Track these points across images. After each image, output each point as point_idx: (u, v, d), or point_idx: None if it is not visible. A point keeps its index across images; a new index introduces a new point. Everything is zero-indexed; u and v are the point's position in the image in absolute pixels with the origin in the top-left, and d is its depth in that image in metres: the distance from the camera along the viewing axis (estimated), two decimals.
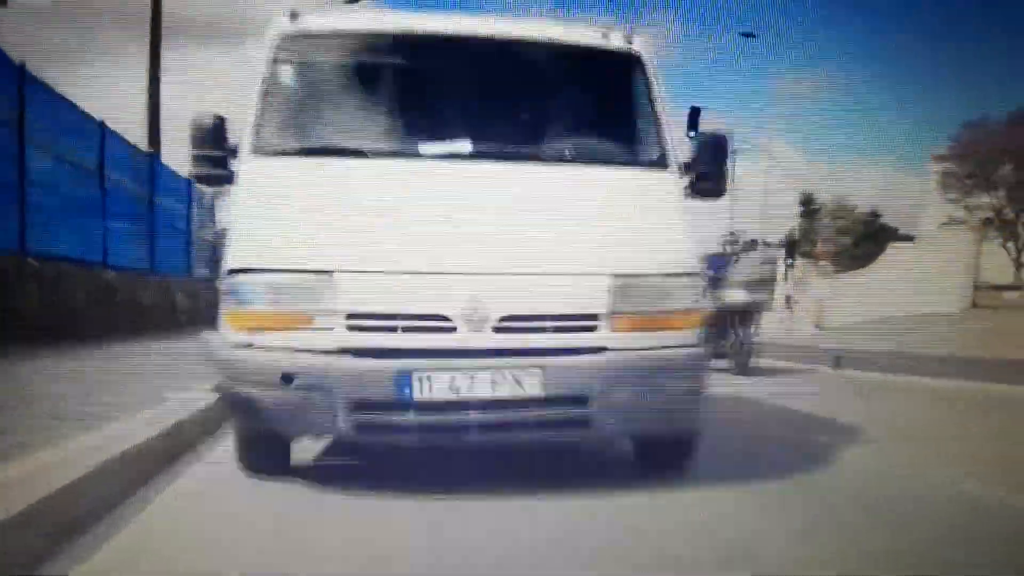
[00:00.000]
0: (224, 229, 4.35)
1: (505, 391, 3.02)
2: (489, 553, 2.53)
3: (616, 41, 3.72)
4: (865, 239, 32.47)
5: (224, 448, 3.71)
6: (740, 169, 26.51)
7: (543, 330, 3.07)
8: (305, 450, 3.63)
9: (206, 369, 3.59)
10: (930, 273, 21.18)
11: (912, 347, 12.38)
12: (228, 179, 3.44)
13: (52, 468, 2.67)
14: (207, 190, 13.99)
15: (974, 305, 21.86)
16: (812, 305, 23.68)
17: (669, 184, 3.52)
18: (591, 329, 3.11)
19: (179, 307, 13.12)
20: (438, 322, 3.01)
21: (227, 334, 3.14)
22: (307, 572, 2.36)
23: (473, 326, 3.01)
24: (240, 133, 3.44)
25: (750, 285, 9.79)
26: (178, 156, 13.36)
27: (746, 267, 10.01)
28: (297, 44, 3.56)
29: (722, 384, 6.71)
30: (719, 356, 8.32)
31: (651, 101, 3.64)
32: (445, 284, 3.03)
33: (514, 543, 2.61)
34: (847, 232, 34.64)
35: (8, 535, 2.13)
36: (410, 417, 3.02)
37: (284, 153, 3.38)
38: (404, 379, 2.97)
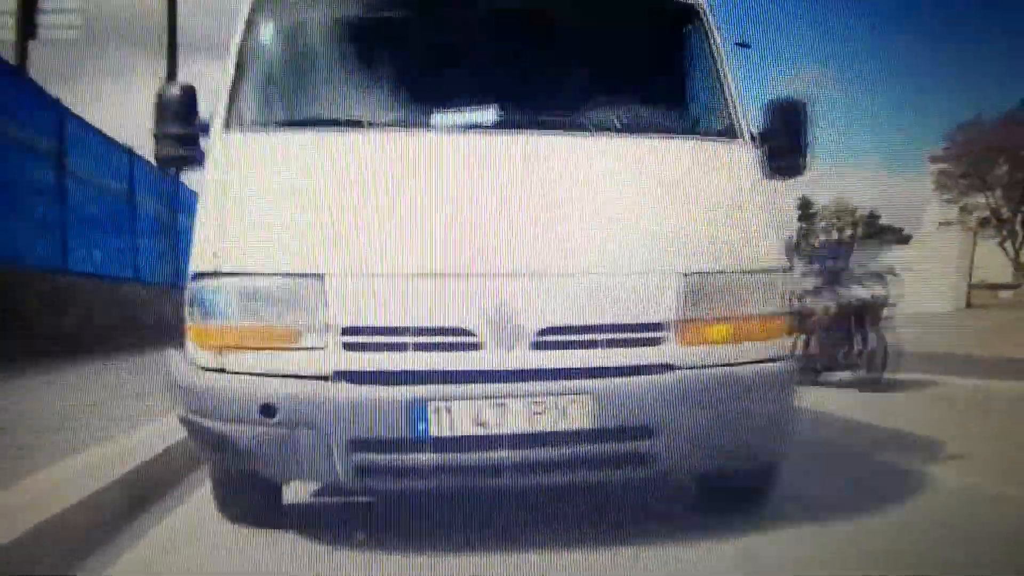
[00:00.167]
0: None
1: (546, 423, 2.37)
2: None
3: None
4: (867, 239, 32.16)
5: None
6: None
7: (593, 345, 2.42)
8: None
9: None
10: (924, 273, 21.02)
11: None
12: (197, 161, 2.79)
13: None
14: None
15: (968, 304, 21.78)
16: None
17: (742, 158, 2.83)
18: (654, 342, 2.47)
19: None
20: (460, 337, 2.37)
21: (193, 354, 2.49)
22: None
23: (504, 342, 2.37)
24: (213, 108, 2.79)
25: (876, 277, 7.55)
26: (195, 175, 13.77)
27: (869, 255, 8.29)
28: None
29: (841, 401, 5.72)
30: (837, 368, 7.08)
31: (715, 59, 2.96)
32: (468, 289, 2.38)
33: None
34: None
35: None
36: (426, 458, 2.37)
37: (264, 127, 2.71)
38: (417, 410, 2.33)
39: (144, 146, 11.36)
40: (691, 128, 2.95)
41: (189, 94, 2.83)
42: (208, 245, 2.45)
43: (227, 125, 2.70)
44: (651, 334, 2.46)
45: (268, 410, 2.34)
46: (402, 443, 2.36)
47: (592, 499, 3.02)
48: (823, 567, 2.39)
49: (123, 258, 11.35)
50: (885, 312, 7.34)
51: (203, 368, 2.45)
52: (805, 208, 34.89)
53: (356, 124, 2.66)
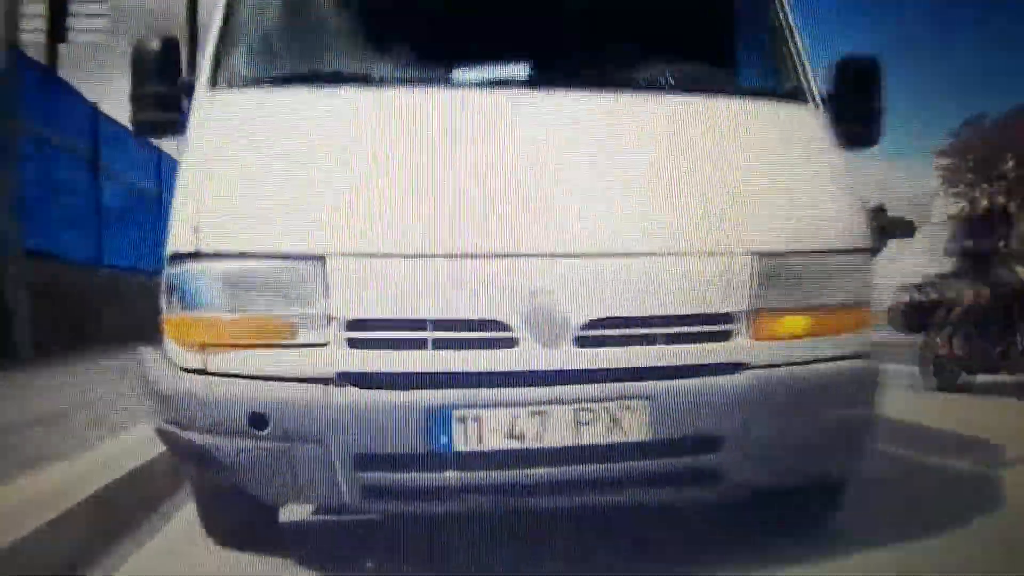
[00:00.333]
0: None
1: (594, 435, 1.96)
2: None
3: None
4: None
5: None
6: None
7: (651, 341, 2.01)
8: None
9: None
10: (923, 266, 20.92)
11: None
12: (179, 126, 2.37)
13: None
14: None
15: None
16: None
17: (813, 122, 2.40)
18: (723, 336, 2.05)
19: None
20: (490, 332, 1.96)
21: (170, 352, 2.09)
22: None
23: (544, 337, 1.96)
24: (198, 65, 2.38)
25: None
26: None
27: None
28: None
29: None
30: (991, 369, 5.88)
31: (780, 11, 2.53)
32: (499, 274, 1.96)
33: None
34: None
35: None
36: (448, 477, 1.97)
37: (257, 83, 2.28)
38: (439, 420, 1.92)
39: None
40: (753, 88, 2.52)
41: (171, 49, 2.42)
42: (188, 220, 2.03)
43: (213, 81, 2.29)
44: (719, 327, 2.05)
45: (258, 420, 1.94)
46: (420, 460, 1.96)
47: (634, 519, 2.60)
48: None
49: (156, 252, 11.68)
50: None
51: (182, 369, 2.05)
52: None
53: (364, 79, 2.23)
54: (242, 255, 1.98)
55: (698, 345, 2.03)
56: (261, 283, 1.98)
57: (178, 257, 2.02)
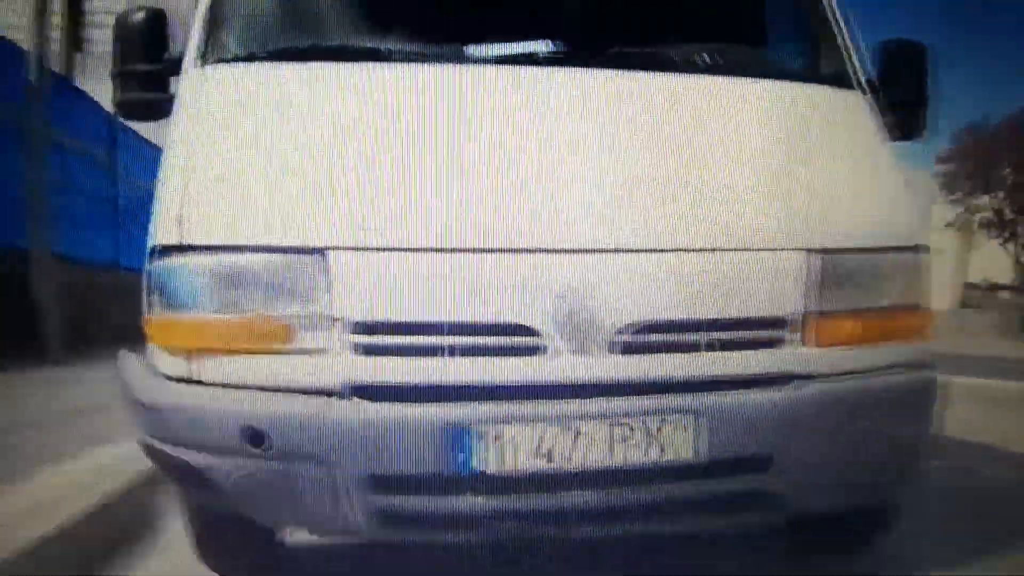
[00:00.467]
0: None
1: (633, 454, 1.74)
2: None
3: None
4: None
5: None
6: None
7: (695, 348, 1.79)
8: None
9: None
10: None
11: None
12: (165, 107, 2.14)
13: None
14: None
15: (963, 305, 21.94)
16: None
17: (860, 109, 2.18)
18: (776, 343, 1.83)
19: None
20: (516, 337, 1.73)
21: (155, 358, 1.87)
22: None
23: (578, 343, 1.74)
24: (186, 39, 2.15)
25: None
26: None
27: None
28: None
29: None
30: None
31: None
32: (527, 271, 1.74)
33: None
34: None
35: None
36: (468, 501, 1.74)
37: (251, 59, 2.04)
38: (457, 437, 1.70)
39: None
40: (798, 70, 2.28)
41: (157, 22, 2.19)
42: (172, 209, 1.80)
43: (203, 56, 2.05)
44: (772, 332, 1.83)
45: (254, 436, 1.72)
46: (435, 482, 1.73)
47: (667, 537, 2.36)
48: None
49: None
50: None
51: (167, 377, 1.82)
52: None
53: (371, 54, 1.99)
54: (233, 248, 1.75)
55: (748, 353, 1.81)
56: (255, 280, 1.75)
57: (161, 250, 1.79)
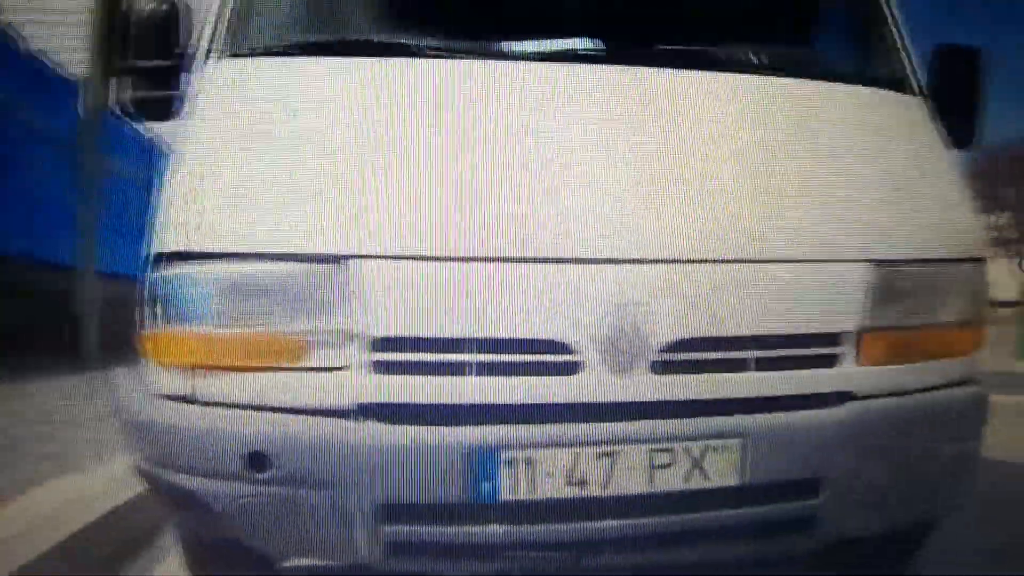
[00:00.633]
0: None
1: (674, 480, 1.60)
2: None
3: None
4: None
5: None
6: None
7: (742, 367, 1.65)
8: None
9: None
10: None
11: None
12: (176, 106, 1.99)
13: None
14: None
15: None
16: None
17: (919, 115, 2.04)
18: (829, 361, 1.69)
19: None
20: (548, 355, 1.59)
21: (152, 375, 1.71)
22: None
23: (615, 362, 1.59)
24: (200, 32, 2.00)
25: None
26: None
27: None
28: None
29: None
30: None
31: None
32: (561, 283, 1.59)
33: None
34: None
35: None
36: (494, 531, 1.60)
37: (271, 53, 1.89)
38: (483, 463, 1.56)
39: None
40: (851, 75, 2.16)
41: (170, 15, 2.03)
42: (180, 213, 1.65)
43: (220, 50, 1.90)
44: (825, 349, 1.69)
45: (258, 461, 1.57)
46: (459, 511, 1.59)
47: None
48: None
49: None
50: None
51: (165, 397, 1.67)
52: None
53: (401, 49, 1.84)
54: (246, 256, 1.60)
55: (800, 372, 1.67)
56: (264, 291, 1.60)
57: (162, 258, 1.64)
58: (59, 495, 2.69)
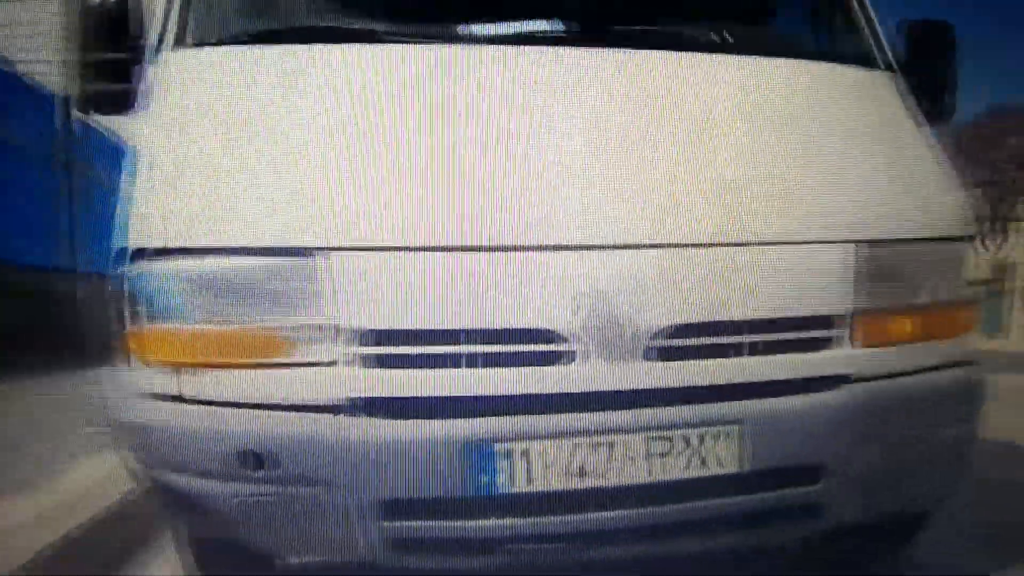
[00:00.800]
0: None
1: (674, 469, 1.58)
2: None
3: None
4: None
5: None
6: None
7: (738, 351, 1.63)
8: None
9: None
10: None
11: None
12: (133, 99, 1.93)
13: None
14: None
15: None
16: None
17: (891, 90, 2.01)
18: (824, 344, 1.68)
19: None
20: (541, 344, 1.56)
21: (136, 374, 1.67)
22: None
23: (610, 349, 1.56)
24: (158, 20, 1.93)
25: None
26: None
27: None
28: None
29: None
30: None
31: None
32: (550, 270, 1.56)
33: None
34: None
35: None
36: (493, 524, 1.58)
37: (235, 41, 1.83)
38: (479, 456, 1.53)
39: None
40: (823, 51, 2.09)
41: (125, 5, 1.97)
42: (150, 207, 1.61)
43: (180, 39, 1.85)
44: (820, 332, 1.67)
45: (251, 459, 1.54)
46: (458, 504, 1.57)
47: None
48: None
49: None
50: None
51: (153, 396, 1.64)
52: None
53: (370, 35, 1.79)
54: (223, 250, 1.56)
55: (795, 356, 1.66)
56: (245, 286, 1.56)
57: (141, 254, 1.59)
58: (59, 495, 2.67)
